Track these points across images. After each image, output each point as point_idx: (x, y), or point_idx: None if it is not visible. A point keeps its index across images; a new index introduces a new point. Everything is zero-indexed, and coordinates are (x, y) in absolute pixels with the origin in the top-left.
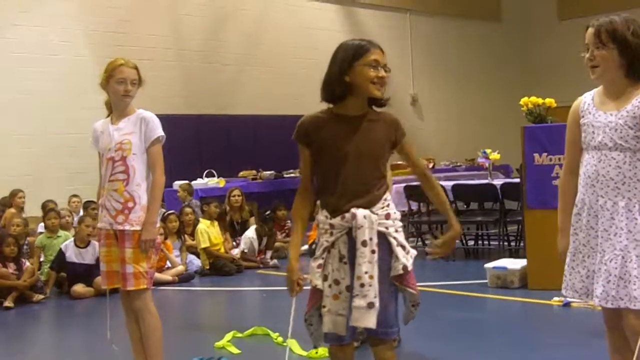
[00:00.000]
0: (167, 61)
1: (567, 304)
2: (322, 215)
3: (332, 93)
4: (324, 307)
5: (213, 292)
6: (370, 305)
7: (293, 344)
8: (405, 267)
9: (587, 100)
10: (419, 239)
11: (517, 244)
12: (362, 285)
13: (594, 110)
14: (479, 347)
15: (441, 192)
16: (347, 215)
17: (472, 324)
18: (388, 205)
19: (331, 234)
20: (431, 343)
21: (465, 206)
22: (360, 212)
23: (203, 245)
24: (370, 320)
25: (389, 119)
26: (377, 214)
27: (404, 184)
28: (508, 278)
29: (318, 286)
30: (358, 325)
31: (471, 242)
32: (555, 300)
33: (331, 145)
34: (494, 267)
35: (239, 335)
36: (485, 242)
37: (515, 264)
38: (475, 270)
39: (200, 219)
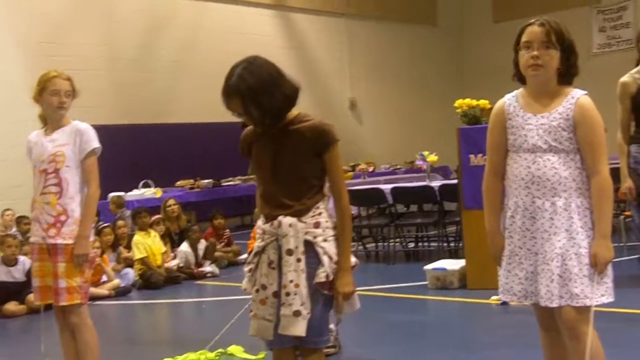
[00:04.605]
0: (100, 70)
1: (504, 303)
2: (260, 221)
3: None
4: (251, 311)
5: (150, 305)
6: (297, 313)
7: (237, 350)
8: (327, 276)
9: (512, 102)
10: (360, 242)
11: (457, 244)
12: (288, 294)
13: (522, 113)
14: (420, 350)
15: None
16: (275, 222)
17: (413, 326)
18: (320, 214)
19: (262, 239)
20: (372, 347)
21: (405, 208)
22: (286, 221)
23: (138, 256)
24: (297, 329)
25: (310, 127)
26: (304, 222)
27: None
28: (447, 279)
29: (247, 290)
30: (287, 334)
31: (411, 245)
32: (494, 299)
33: (255, 160)
34: (433, 269)
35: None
36: (426, 244)
37: (454, 264)
38: (416, 272)
39: (136, 232)
